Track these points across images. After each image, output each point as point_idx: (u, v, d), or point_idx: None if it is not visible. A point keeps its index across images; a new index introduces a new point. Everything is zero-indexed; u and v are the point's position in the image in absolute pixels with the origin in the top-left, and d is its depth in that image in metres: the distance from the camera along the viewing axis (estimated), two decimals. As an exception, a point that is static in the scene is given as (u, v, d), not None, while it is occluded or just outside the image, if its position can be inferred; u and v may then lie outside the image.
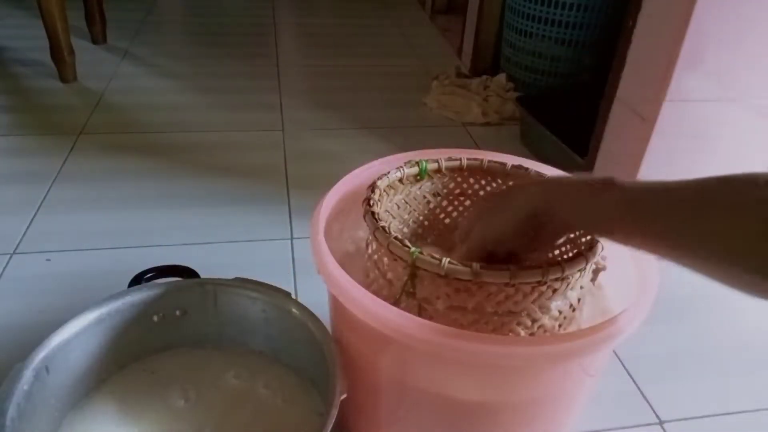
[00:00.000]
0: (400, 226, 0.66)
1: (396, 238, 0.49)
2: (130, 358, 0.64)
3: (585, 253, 0.48)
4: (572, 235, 0.55)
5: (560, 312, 0.51)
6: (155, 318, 0.63)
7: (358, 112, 1.45)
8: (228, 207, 1.06)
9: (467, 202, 0.67)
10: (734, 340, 0.85)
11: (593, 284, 0.55)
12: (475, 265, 0.45)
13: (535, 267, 0.46)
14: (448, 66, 1.70)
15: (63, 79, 1.49)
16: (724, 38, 0.80)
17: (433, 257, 0.46)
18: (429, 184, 0.64)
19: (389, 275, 0.52)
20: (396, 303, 0.51)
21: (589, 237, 0.53)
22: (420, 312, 0.51)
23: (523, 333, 0.50)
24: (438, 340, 0.45)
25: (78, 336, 0.57)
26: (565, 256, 0.48)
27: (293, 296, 0.63)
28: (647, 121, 0.86)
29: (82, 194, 1.07)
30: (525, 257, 0.50)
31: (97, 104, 1.41)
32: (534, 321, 0.50)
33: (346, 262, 0.61)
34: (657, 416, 0.72)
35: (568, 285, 0.49)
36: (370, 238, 0.53)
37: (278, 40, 1.90)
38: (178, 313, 0.64)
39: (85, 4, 1.69)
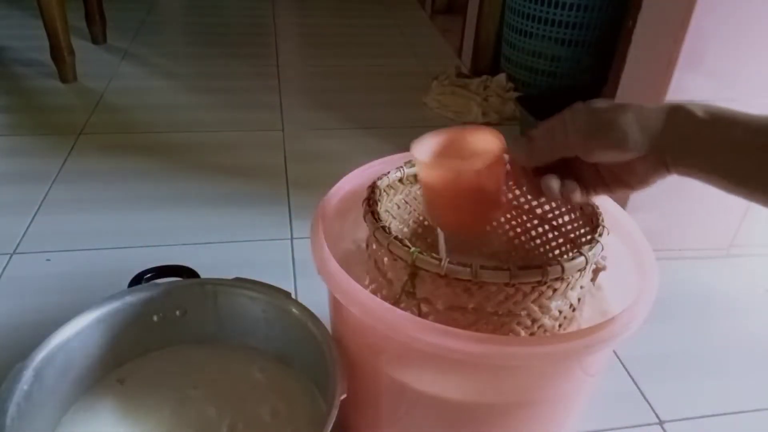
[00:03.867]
0: (400, 226, 0.66)
1: (396, 238, 0.49)
2: (130, 358, 0.64)
3: (585, 253, 0.48)
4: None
5: (560, 312, 0.51)
6: (155, 318, 0.63)
7: (358, 112, 1.45)
8: (228, 207, 1.06)
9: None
10: (734, 340, 0.85)
11: (593, 284, 0.55)
12: (475, 265, 0.45)
13: (535, 267, 0.46)
14: (448, 66, 1.70)
15: (63, 79, 1.49)
16: (724, 38, 0.80)
17: (433, 257, 0.46)
18: (429, 184, 0.64)
19: (389, 275, 0.52)
20: (396, 303, 0.51)
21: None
22: (420, 312, 0.51)
23: (523, 333, 0.50)
24: (438, 340, 0.45)
25: (78, 336, 0.57)
26: (565, 256, 0.48)
27: (293, 296, 0.63)
28: (647, 121, 0.86)
29: (82, 194, 1.07)
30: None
31: (97, 104, 1.41)
32: (534, 321, 0.50)
33: (346, 262, 0.61)
34: (657, 416, 0.72)
35: (568, 285, 0.49)
36: (371, 238, 0.53)
37: (278, 40, 1.90)
38: (178, 313, 0.64)
39: (85, 4, 1.69)
